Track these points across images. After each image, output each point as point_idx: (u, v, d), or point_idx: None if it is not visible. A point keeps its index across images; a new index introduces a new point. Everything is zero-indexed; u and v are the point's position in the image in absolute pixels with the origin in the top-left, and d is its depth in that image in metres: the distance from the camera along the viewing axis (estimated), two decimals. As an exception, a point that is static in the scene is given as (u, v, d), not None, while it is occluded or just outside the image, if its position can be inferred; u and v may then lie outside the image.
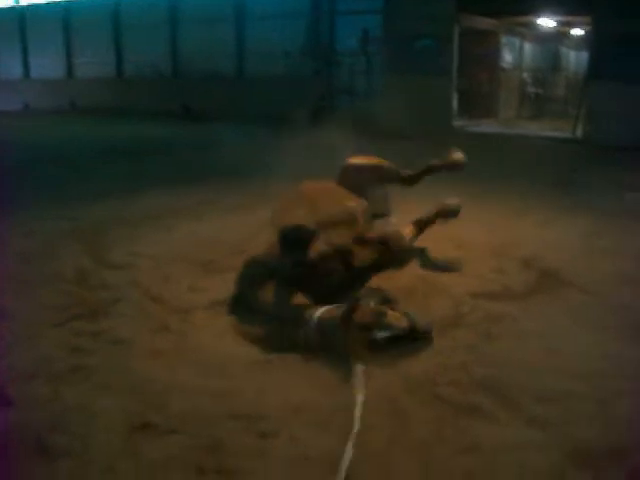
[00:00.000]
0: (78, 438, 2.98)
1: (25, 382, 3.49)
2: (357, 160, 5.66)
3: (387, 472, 2.74)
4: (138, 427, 3.06)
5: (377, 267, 4.86)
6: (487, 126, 17.99)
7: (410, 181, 6.03)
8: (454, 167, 6.07)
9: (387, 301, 3.95)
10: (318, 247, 4.34)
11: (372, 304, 3.75)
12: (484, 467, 2.78)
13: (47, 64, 27.88)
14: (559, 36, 23.03)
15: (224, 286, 4.87)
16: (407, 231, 5.27)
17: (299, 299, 4.03)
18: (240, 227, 6.80)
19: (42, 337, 4.09)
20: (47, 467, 2.78)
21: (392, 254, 4.94)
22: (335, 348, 3.63)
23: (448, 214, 5.51)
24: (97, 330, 4.18)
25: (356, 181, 5.41)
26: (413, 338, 3.77)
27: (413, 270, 5.33)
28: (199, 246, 6.07)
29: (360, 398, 3.18)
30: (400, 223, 5.42)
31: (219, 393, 3.36)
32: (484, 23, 18.65)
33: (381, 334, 3.66)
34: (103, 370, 3.64)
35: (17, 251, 6.01)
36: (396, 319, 3.74)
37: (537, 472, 2.74)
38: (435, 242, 5.86)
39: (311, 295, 4.06)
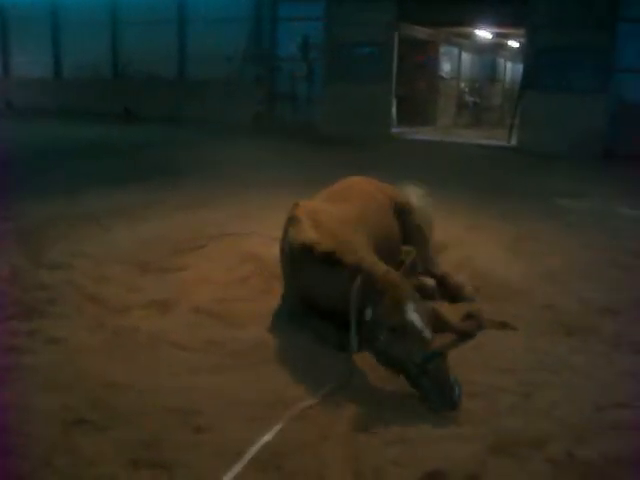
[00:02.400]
0: (16, 435, 2.99)
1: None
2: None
3: (316, 463, 2.84)
4: (74, 423, 3.09)
5: None
6: (425, 133, 18.33)
7: None
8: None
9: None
10: None
11: None
12: (410, 457, 2.89)
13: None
14: (496, 47, 23.63)
15: (161, 286, 4.92)
16: None
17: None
18: (180, 228, 6.84)
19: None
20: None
21: None
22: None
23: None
24: (33, 329, 4.17)
25: None
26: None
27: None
28: (138, 246, 6.07)
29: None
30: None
31: (151, 389, 3.42)
32: (423, 32, 19.01)
33: None
34: (39, 368, 3.64)
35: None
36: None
37: (460, 461, 2.87)
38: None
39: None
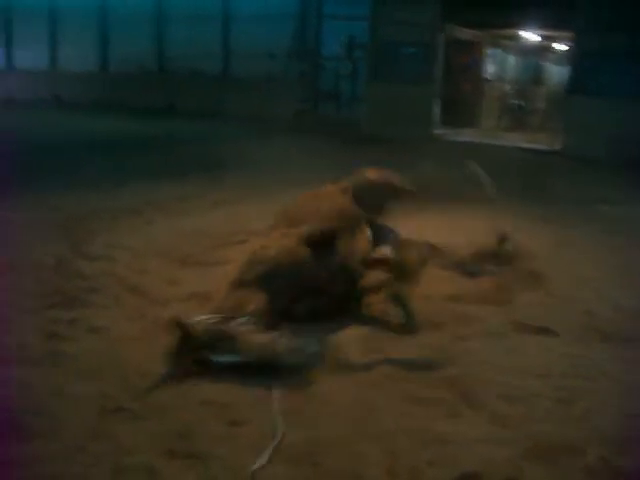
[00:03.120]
0: (54, 420, 3.05)
1: (2, 366, 3.55)
2: (373, 175, 5.55)
3: (353, 461, 2.84)
4: (111, 411, 3.13)
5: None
6: (467, 135, 18.17)
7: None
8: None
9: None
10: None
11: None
12: (446, 459, 2.88)
13: (31, 55, 27.69)
14: (542, 50, 23.34)
15: (202, 279, 4.95)
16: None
17: None
18: (220, 222, 6.89)
19: (19, 323, 4.15)
20: (22, 447, 2.84)
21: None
22: None
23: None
24: (74, 318, 4.25)
25: (371, 197, 5.34)
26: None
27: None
28: (178, 240, 6.14)
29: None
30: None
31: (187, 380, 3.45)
32: (469, 34, 18.86)
33: (220, 358, 3.49)
34: (79, 356, 3.71)
35: (0, 239, 6.06)
36: (245, 344, 3.50)
37: (496, 465, 2.85)
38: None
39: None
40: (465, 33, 18.60)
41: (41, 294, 4.65)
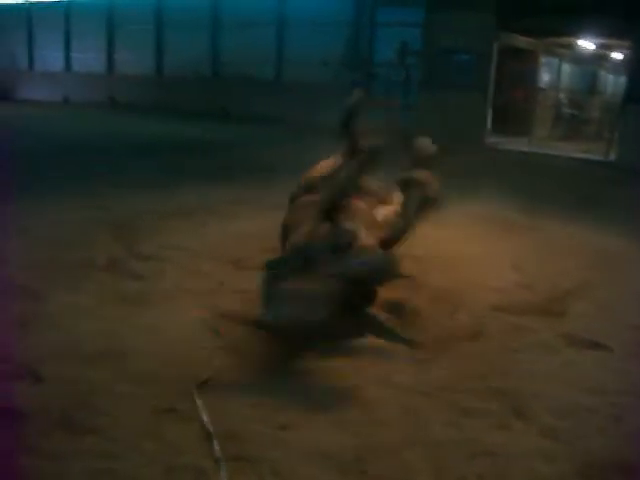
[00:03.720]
0: (105, 417, 3.10)
1: (55, 362, 3.62)
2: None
3: (401, 470, 2.83)
4: (163, 411, 3.17)
5: None
6: (520, 144, 17.95)
7: None
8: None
9: None
10: None
11: None
12: (495, 472, 2.85)
13: (88, 58, 28.31)
14: (598, 59, 22.93)
15: (255, 283, 4.98)
16: None
17: None
18: (271, 226, 6.91)
19: (72, 320, 4.24)
20: (73, 442, 2.90)
21: None
22: None
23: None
24: (126, 316, 4.32)
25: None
26: None
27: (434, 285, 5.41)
28: (231, 243, 6.19)
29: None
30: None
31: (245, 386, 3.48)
32: (523, 42, 18.64)
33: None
34: (131, 355, 3.77)
35: (52, 238, 6.20)
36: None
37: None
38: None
39: None
40: (520, 41, 18.39)
41: (94, 292, 4.74)
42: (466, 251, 6.45)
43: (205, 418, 3.09)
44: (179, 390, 3.36)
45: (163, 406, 3.20)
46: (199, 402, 3.21)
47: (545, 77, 20.67)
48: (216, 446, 2.88)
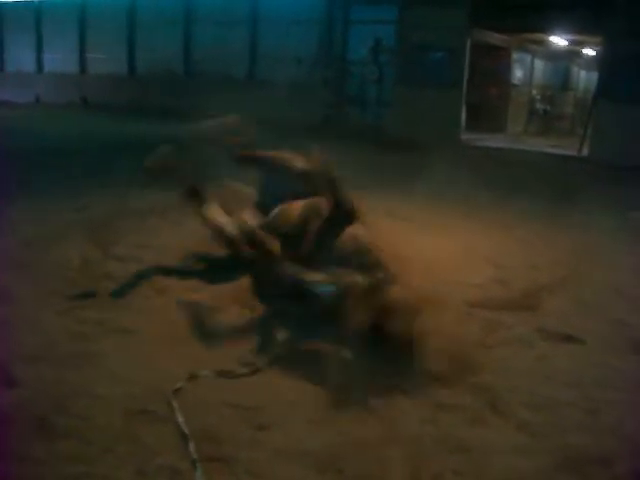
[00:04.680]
0: (80, 420, 3.06)
1: (29, 365, 3.57)
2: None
3: (378, 467, 2.82)
4: (136, 412, 3.14)
5: None
6: (494, 140, 18.06)
7: None
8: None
9: None
10: None
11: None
12: (472, 468, 2.85)
13: (60, 59, 28.02)
14: (570, 55, 23.13)
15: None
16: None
17: None
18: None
19: (47, 322, 4.19)
20: (48, 446, 2.87)
21: None
22: None
23: None
24: (101, 318, 4.28)
25: None
26: None
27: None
28: (207, 241, 6.13)
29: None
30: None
31: (217, 385, 3.45)
32: (496, 38, 18.75)
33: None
34: (105, 357, 3.73)
35: (25, 238, 6.12)
36: None
37: (524, 476, 2.82)
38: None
39: None
40: (493, 37, 18.50)
41: (67, 294, 4.68)
42: (441, 248, 6.45)
43: (180, 419, 3.06)
44: (151, 391, 3.33)
45: (137, 407, 3.17)
46: (174, 403, 3.18)
47: (518, 73, 20.82)
48: (192, 447, 2.85)
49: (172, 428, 3.03)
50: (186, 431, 2.96)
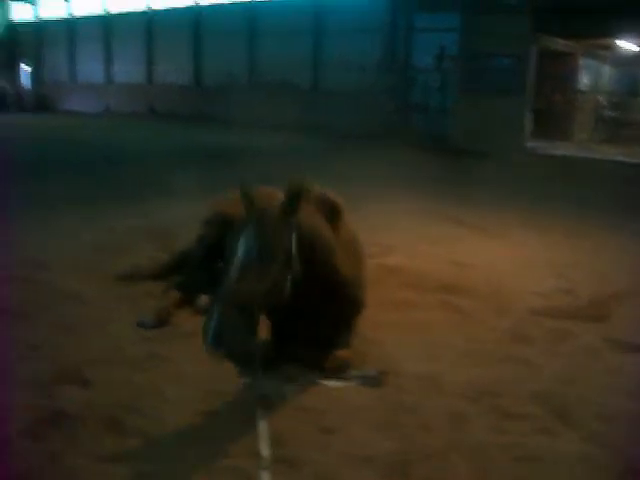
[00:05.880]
0: (149, 420, 3.15)
1: (100, 366, 3.70)
2: None
3: (444, 472, 2.83)
4: (204, 414, 3.21)
5: None
6: (560, 148, 17.73)
7: None
8: None
9: None
10: None
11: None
12: (538, 477, 2.83)
13: (128, 70, 28.79)
14: (639, 60, 22.57)
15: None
16: None
17: None
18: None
19: (118, 325, 4.32)
20: (118, 444, 2.97)
21: None
22: None
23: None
24: (170, 323, 4.40)
25: None
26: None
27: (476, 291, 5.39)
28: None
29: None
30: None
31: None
32: (562, 44, 18.45)
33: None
34: (172, 359, 3.82)
35: (91, 244, 6.34)
36: None
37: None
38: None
39: None
40: (558, 44, 18.20)
41: (139, 298, 4.81)
42: (507, 257, 6.42)
43: (262, 425, 3.08)
44: (218, 393, 3.40)
45: (203, 408, 3.24)
46: (258, 411, 3.20)
47: (584, 79, 20.42)
48: (264, 449, 2.90)
49: (239, 429, 3.08)
50: (264, 436, 2.99)
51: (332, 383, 3.56)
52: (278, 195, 4.53)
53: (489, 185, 10.94)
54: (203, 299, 4.65)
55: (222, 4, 24.94)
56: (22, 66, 33.86)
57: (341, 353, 3.75)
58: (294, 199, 3.27)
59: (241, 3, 24.14)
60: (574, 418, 3.30)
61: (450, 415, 3.28)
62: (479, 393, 3.51)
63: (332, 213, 3.73)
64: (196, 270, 4.83)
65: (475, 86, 17.21)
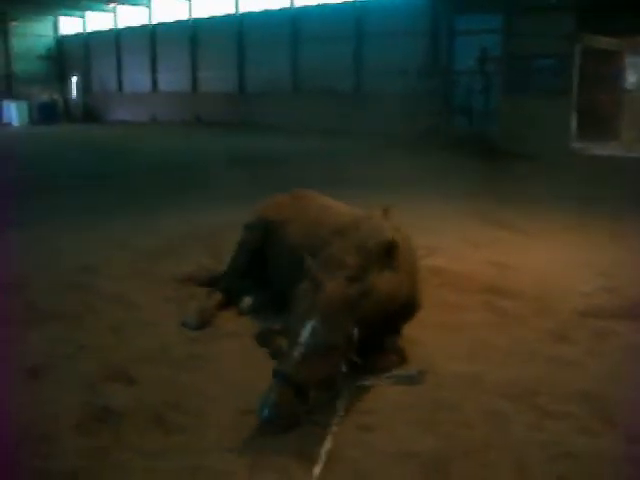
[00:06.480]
0: (193, 417, 3.24)
1: (146, 365, 3.81)
2: None
3: (484, 469, 2.84)
4: (247, 412, 3.27)
5: None
6: (607, 149, 17.41)
7: None
8: None
9: None
10: None
11: None
12: (578, 474, 2.82)
13: (174, 78, 29.22)
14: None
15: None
16: None
17: None
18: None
19: (163, 327, 4.42)
20: (163, 440, 3.06)
21: None
22: None
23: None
24: (213, 324, 4.49)
25: None
26: None
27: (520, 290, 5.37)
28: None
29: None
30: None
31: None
32: (607, 43, 18.15)
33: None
34: (216, 359, 3.91)
35: (140, 249, 6.50)
36: None
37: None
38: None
39: None
40: (603, 42, 17.91)
41: (184, 300, 4.91)
42: (552, 258, 6.37)
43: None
44: (257, 393, 3.45)
45: (245, 407, 3.30)
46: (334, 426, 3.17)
47: (631, 78, 20.05)
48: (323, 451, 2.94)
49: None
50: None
51: (373, 382, 3.59)
52: (327, 201, 4.70)
53: (534, 187, 10.85)
54: (246, 301, 4.75)
55: (265, 11, 25.18)
56: (72, 78, 34.64)
57: (387, 354, 3.84)
58: (365, 268, 3.44)
59: (283, 10, 24.35)
60: (615, 418, 3.28)
61: (490, 413, 3.29)
62: (520, 392, 3.51)
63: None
64: (238, 274, 4.94)
65: (519, 87, 17.05)
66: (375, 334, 3.65)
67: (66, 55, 34.99)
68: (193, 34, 27.95)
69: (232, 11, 26.42)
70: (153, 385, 3.57)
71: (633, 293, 5.24)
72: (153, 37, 30.04)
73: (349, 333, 3.25)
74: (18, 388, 3.54)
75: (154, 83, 30.70)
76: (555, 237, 7.34)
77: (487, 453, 2.95)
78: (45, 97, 32.10)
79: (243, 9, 26.14)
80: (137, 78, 31.25)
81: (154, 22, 30.24)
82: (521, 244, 7.01)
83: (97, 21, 33.57)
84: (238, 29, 25.88)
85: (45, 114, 30.91)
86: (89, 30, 34.20)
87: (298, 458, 2.90)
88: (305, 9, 23.71)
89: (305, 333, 3.17)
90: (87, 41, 33.94)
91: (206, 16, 27.65)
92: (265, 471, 2.83)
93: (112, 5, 31.58)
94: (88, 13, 33.55)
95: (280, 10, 24.47)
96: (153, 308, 4.82)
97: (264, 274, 4.91)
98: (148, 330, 4.38)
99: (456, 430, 3.14)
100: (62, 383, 3.58)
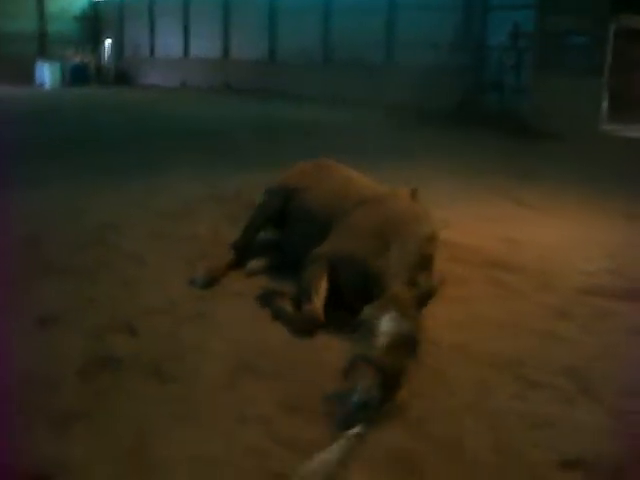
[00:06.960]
0: (189, 369, 3.40)
1: (151, 319, 3.99)
2: None
3: (460, 431, 2.96)
4: (242, 368, 3.42)
5: None
6: (638, 131, 17.15)
7: None
8: None
9: None
10: None
11: None
12: (552, 443, 2.92)
13: (205, 44, 29.21)
14: None
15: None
16: None
17: None
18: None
19: (172, 284, 4.59)
20: (159, 388, 3.24)
21: None
22: None
23: None
24: (221, 283, 4.64)
25: None
26: None
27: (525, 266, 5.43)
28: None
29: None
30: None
31: (322, 347, 3.71)
32: (642, 22, 17.83)
33: None
34: (219, 317, 4.07)
35: (160, 211, 6.67)
36: None
37: (602, 456, 2.84)
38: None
39: None
40: (638, 22, 17.60)
41: (193, 260, 5.05)
42: (560, 236, 6.40)
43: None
44: (258, 350, 3.61)
45: (243, 364, 3.45)
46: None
47: (668, 60, 19.69)
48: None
49: (272, 383, 3.28)
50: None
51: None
52: (350, 172, 4.87)
53: (558, 166, 10.79)
54: (253, 263, 4.88)
55: (298, -19, 25.04)
56: (105, 41, 34.81)
57: None
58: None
59: (317, -20, 24.18)
60: (600, 394, 3.35)
61: (474, 381, 3.40)
62: (506, 362, 3.61)
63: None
64: (252, 234, 5.07)
65: (550, 65, 16.82)
66: None
67: (100, 17, 35.12)
68: (225, 3, 27.91)
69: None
70: (155, 338, 3.75)
71: (638, 275, 5.27)
72: (186, 2, 30.02)
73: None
74: (26, 336, 3.72)
75: (186, 49, 30.73)
76: (570, 216, 7.34)
77: (466, 417, 3.06)
78: (77, 59, 32.32)
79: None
80: (169, 43, 31.29)
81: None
82: (534, 221, 7.03)
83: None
84: (270, -2, 25.80)
85: (77, 76, 31.16)
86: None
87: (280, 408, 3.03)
88: (339, -21, 23.53)
89: (385, 324, 3.19)
90: (121, 4, 34.00)
91: (240, -17, 27.57)
92: (249, 421, 2.97)
93: (148, -32, 31.61)
94: (124, -25, 33.63)
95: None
96: (165, 266, 5.00)
97: (278, 240, 5.07)
98: (157, 287, 4.55)
99: (437, 395, 3.26)
100: (68, 332, 3.77)
